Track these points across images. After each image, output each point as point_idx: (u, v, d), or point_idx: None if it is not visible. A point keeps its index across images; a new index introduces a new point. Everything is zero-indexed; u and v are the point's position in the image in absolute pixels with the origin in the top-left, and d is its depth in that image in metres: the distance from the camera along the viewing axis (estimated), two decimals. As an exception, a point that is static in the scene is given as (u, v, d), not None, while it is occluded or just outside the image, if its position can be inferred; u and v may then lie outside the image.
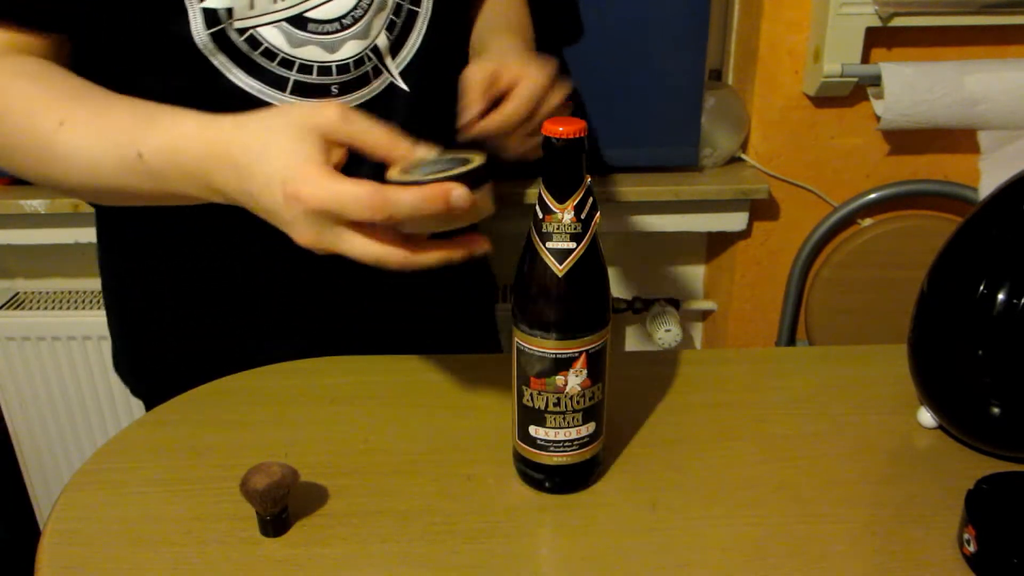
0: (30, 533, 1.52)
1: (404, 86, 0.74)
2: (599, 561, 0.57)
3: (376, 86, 0.73)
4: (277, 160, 0.52)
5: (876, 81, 1.25)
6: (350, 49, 0.70)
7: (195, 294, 0.81)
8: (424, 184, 0.51)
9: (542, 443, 0.61)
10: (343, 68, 0.70)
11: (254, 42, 0.67)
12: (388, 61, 0.73)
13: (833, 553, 0.57)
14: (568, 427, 0.60)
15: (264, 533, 0.59)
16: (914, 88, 1.23)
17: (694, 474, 0.65)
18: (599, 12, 1.19)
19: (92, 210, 1.29)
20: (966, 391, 0.65)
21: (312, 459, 0.66)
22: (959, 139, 1.35)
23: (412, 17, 0.73)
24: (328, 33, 0.69)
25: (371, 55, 0.71)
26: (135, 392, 0.90)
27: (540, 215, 0.56)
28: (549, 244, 0.56)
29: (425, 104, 0.76)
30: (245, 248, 0.76)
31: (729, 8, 1.38)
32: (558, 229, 0.56)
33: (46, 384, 1.39)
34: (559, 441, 0.61)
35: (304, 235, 0.52)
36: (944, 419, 0.68)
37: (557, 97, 0.70)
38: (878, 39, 1.28)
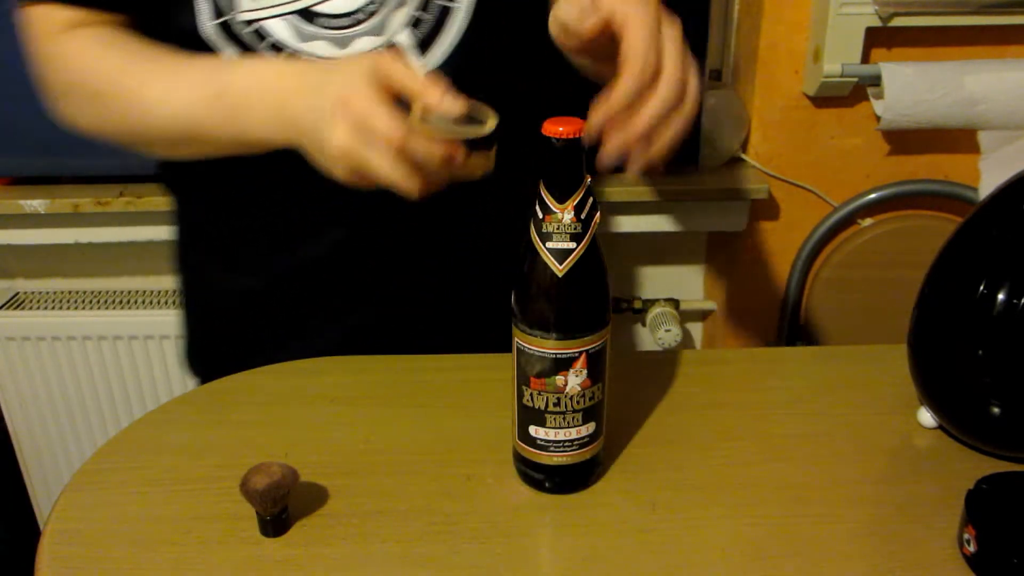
0: (30, 533, 1.52)
1: None
2: (599, 561, 0.57)
3: None
4: (340, 78, 0.57)
5: (876, 81, 1.25)
6: (362, 45, 0.68)
7: (262, 282, 0.82)
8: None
9: (542, 443, 0.61)
10: None
11: (261, 35, 0.67)
12: (414, 60, 0.70)
13: (833, 553, 0.57)
14: (568, 427, 0.60)
15: (264, 533, 0.59)
16: (914, 88, 1.23)
17: (694, 474, 0.65)
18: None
19: (92, 211, 1.29)
20: (966, 391, 0.64)
21: (312, 459, 0.66)
22: (959, 139, 1.35)
23: (445, 13, 0.69)
24: (338, 28, 0.67)
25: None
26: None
27: (540, 215, 0.56)
28: (549, 244, 0.56)
29: None
30: (313, 234, 0.77)
31: (729, 8, 1.38)
32: (558, 229, 0.56)
33: (46, 384, 1.39)
34: (559, 441, 0.61)
35: (340, 138, 0.56)
36: (944, 419, 0.68)
37: (672, 48, 0.58)
38: (878, 39, 1.28)
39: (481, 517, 0.61)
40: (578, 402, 0.60)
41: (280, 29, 0.67)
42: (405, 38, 0.69)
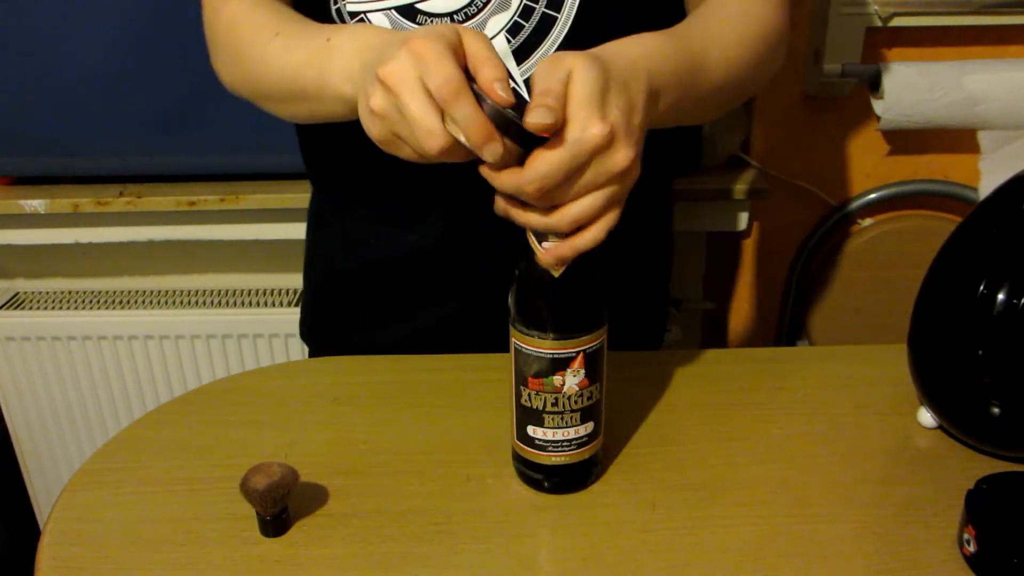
0: (30, 533, 1.52)
1: (526, 94, 0.69)
2: (599, 561, 0.57)
3: None
4: (421, 31, 0.54)
5: (876, 81, 1.25)
6: None
7: (369, 264, 0.83)
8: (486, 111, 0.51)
9: (540, 443, 0.61)
10: None
11: None
12: (511, 66, 0.69)
13: (833, 553, 0.57)
14: (566, 427, 0.60)
15: (264, 533, 0.59)
16: (914, 88, 1.23)
17: (694, 474, 0.65)
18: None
19: (91, 211, 1.29)
20: (966, 391, 0.64)
21: (312, 459, 0.66)
22: (959, 139, 1.35)
23: (548, 23, 0.68)
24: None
25: None
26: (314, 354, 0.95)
27: None
28: (545, 244, 0.56)
29: None
30: (419, 218, 0.78)
31: (729, 8, 1.38)
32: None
33: (46, 384, 1.39)
34: (557, 441, 0.61)
35: (392, 68, 0.52)
36: (944, 419, 0.68)
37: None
38: (878, 39, 1.28)
39: (481, 517, 0.61)
40: (576, 402, 0.60)
41: (382, 23, 0.69)
42: (501, 44, 0.69)
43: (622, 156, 0.53)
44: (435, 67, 0.51)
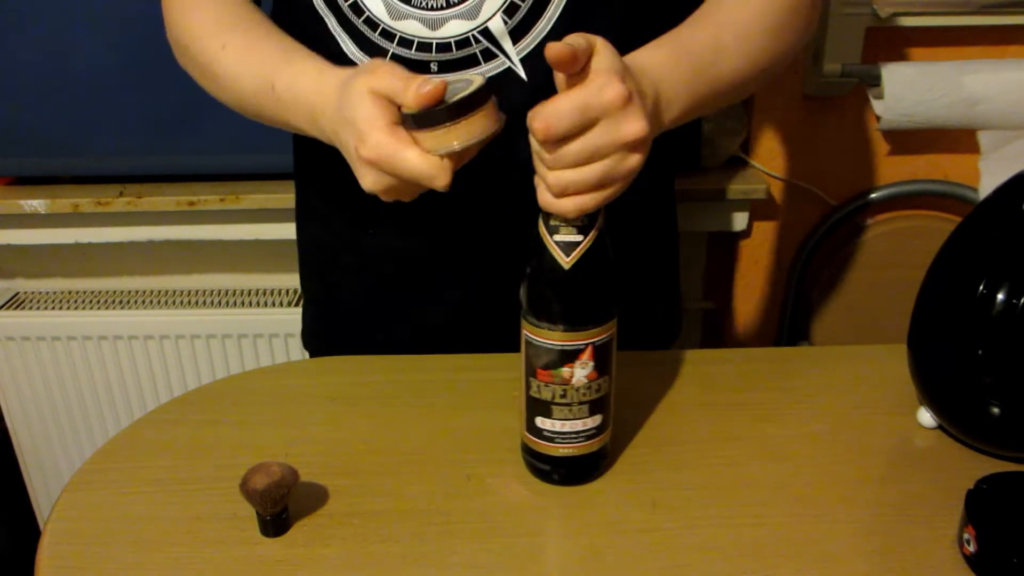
0: (30, 533, 1.52)
1: (522, 74, 0.70)
2: (599, 561, 0.57)
3: (487, 69, 0.70)
4: (353, 117, 0.58)
5: (876, 81, 1.25)
6: (454, 28, 0.68)
7: (367, 265, 0.84)
8: (424, 117, 0.56)
9: (549, 434, 0.62)
10: (444, 47, 0.69)
11: (358, 9, 0.70)
12: (507, 46, 0.69)
13: (833, 553, 0.57)
14: (574, 419, 0.61)
15: (264, 533, 0.59)
16: (914, 88, 1.23)
17: (694, 474, 0.65)
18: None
19: (91, 211, 1.29)
20: (966, 391, 0.64)
21: (312, 459, 0.66)
22: (959, 139, 1.35)
23: (542, 3, 0.68)
24: (430, 9, 0.68)
25: (479, 36, 0.69)
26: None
27: None
28: (556, 237, 0.57)
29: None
30: (416, 218, 0.78)
31: (729, 8, 1.38)
32: (565, 222, 0.56)
33: (46, 384, 1.39)
34: (565, 433, 0.61)
35: (365, 181, 0.59)
36: (944, 419, 0.68)
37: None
38: (878, 39, 1.28)
39: (481, 517, 0.61)
40: (584, 394, 0.60)
41: (375, 5, 0.69)
42: (498, 24, 0.69)
43: (635, 126, 0.54)
44: (397, 163, 0.56)
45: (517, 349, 0.62)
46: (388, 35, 0.70)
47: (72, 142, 1.27)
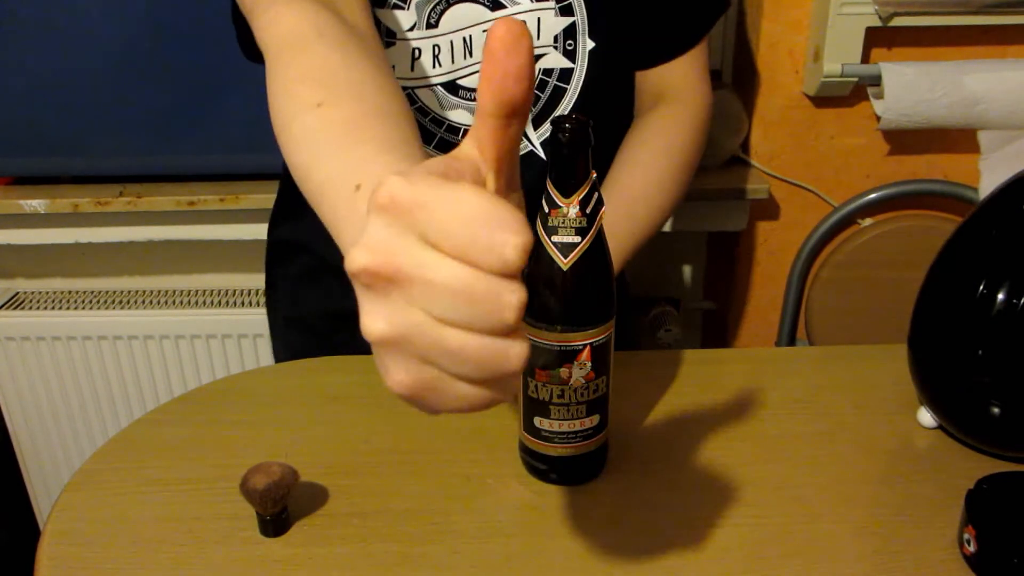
0: (30, 533, 1.52)
1: (542, 155, 0.78)
2: (598, 561, 0.57)
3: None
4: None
5: (876, 81, 1.25)
6: None
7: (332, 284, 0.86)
8: None
9: (547, 434, 0.62)
10: None
11: (411, 99, 0.75)
12: (529, 131, 0.78)
13: (833, 553, 0.57)
14: (572, 419, 0.61)
15: (264, 533, 0.59)
16: (914, 88, 1.23)
17: (694, 474, 0.65)
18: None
19: (92, 211, 1.29)
20: (966, 391, 0.64)
21: (312, 459, 0.66)
22: (959, 139, 1.35)
23: (558, 94, 0.77)
24: (476, 100, 0.68)
25: None
26: None
27: (546, 209, 0.57)
28: (554, 238, 0.57)
29: None
30: None
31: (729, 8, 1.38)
32: (563, 223, 0.56)
33: (46, 384, 1.39)
34: (563, 432, 0.61)
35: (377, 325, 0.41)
36: (944, 419, 0.68)
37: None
38: (878, 39, 1.28)
39: (481, 517, 0.61)
40: (582, 394, 0.60)
41: (427, 97, 0.75)
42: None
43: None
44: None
45: None
46: (438, 122, 0.77)
47: (72, 142, 1.28)
